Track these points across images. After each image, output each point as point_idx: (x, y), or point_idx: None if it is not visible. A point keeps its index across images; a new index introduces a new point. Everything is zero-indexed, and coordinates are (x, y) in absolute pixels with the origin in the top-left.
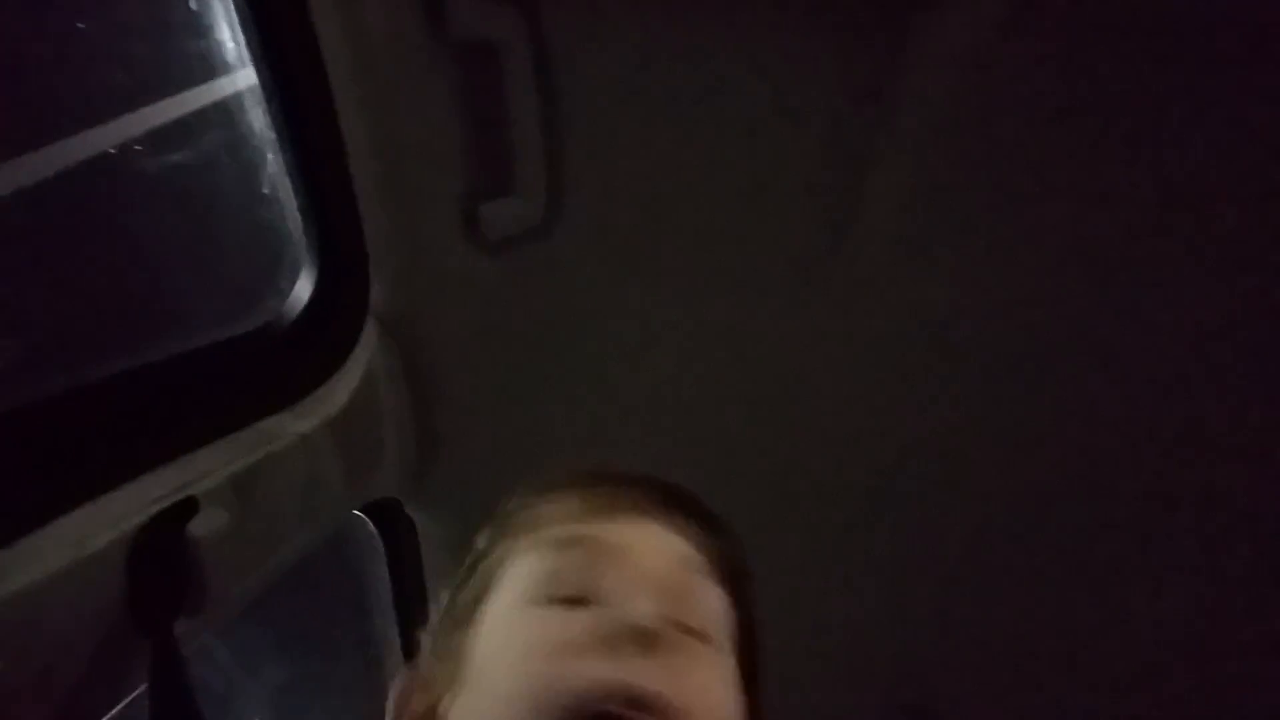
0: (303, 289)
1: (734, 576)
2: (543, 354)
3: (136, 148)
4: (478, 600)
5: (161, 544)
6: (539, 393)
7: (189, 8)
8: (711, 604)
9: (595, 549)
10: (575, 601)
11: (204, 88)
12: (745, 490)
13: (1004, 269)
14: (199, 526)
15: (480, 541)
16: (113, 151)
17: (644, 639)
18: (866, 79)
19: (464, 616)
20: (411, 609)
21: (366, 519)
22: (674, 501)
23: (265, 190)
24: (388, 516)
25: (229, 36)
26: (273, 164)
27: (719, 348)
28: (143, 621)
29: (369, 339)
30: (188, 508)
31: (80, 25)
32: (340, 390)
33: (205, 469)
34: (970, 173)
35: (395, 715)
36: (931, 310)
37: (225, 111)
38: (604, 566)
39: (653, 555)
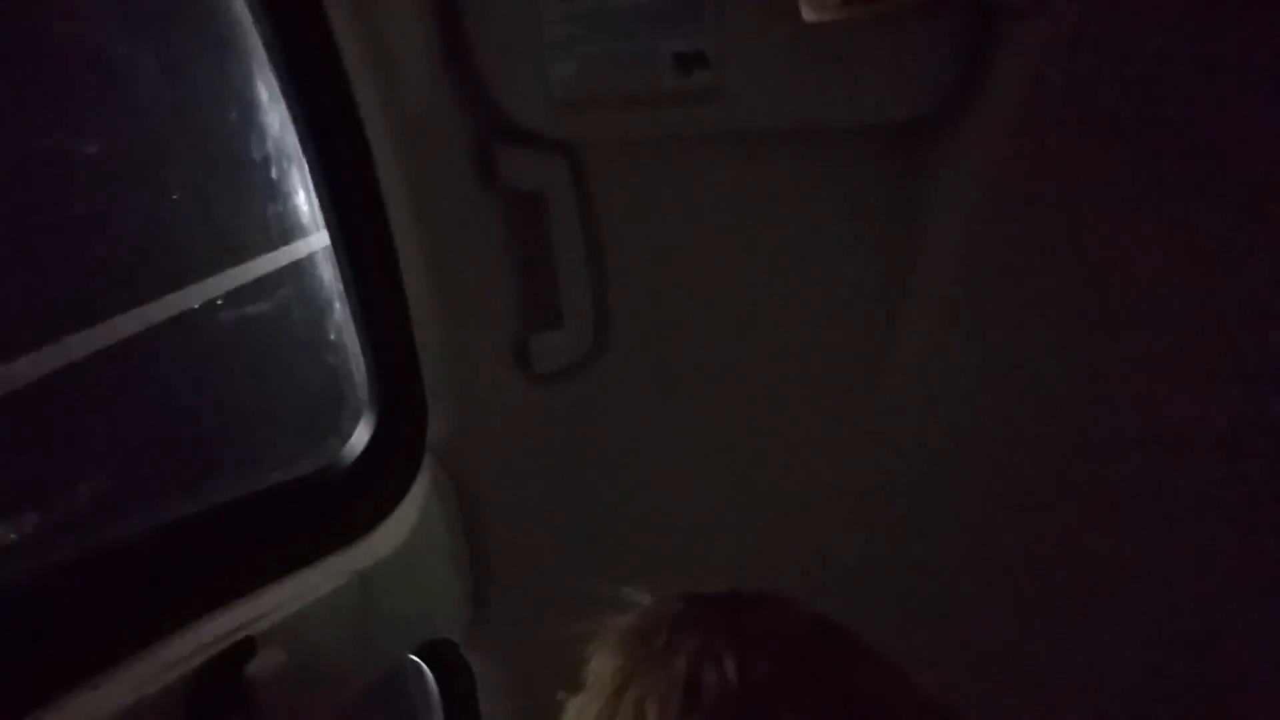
0: (363, 430)
1: None
2: (594, 484)
3: (219, 303)
4: None
5: (220, 687)
6: (591, 524)
7: (270, 177)
8: None
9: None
10: None
11: (283, 250)
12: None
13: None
14: (256, 668)
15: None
16: (196, 308)
17: None
18: (902, 202)
19: None
20: None
21: (421, 663)
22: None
23: (332, 337)
24: (443, 659)
25: (304, 201)
26: (339, 313)
27: (763, 466)
28: None
29: (425, 478)
30: (245, 650)
31: (174, 196)
32: (398, 528)
33: (264, 610)
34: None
35: None
36: (964, 434)
37: (300, 268)
38: None
39: None
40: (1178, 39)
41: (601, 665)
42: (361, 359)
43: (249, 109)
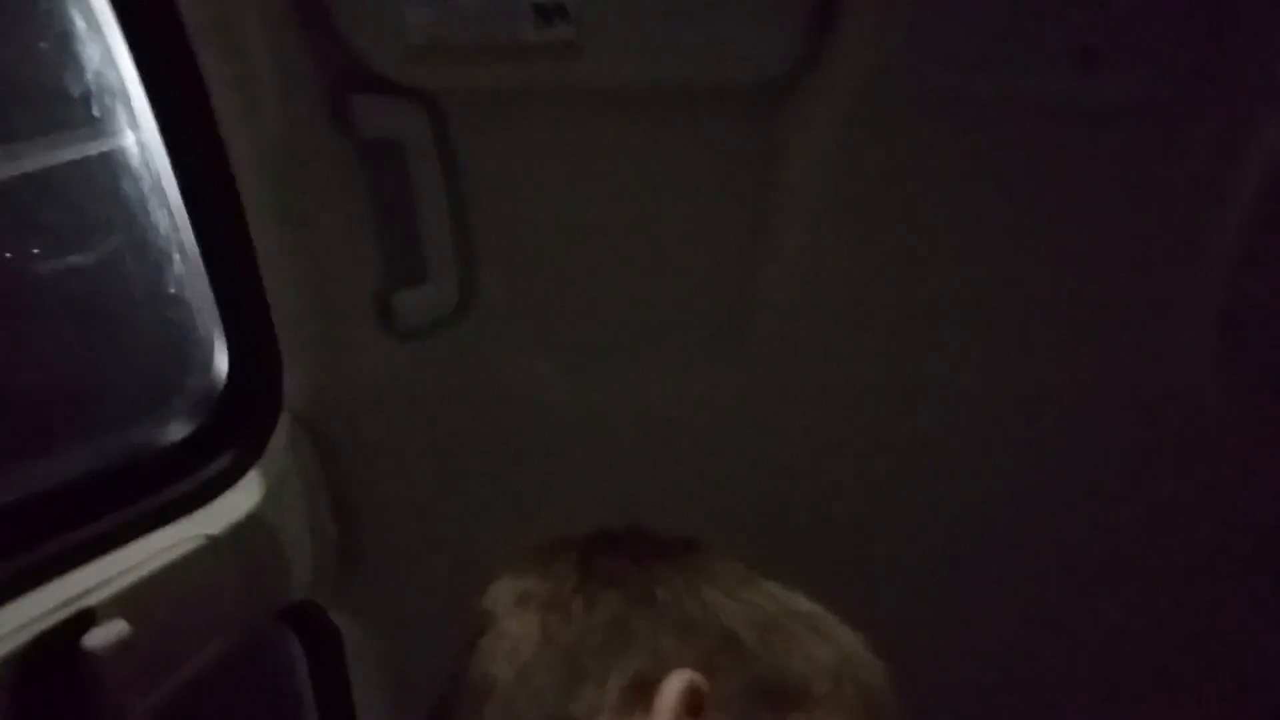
0: (210, 388)
1: None
2: (462, 443)
3: (35, 252)
4: None
5: (54, 662)
6: (462, 483)
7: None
8: None
9: None
10: None
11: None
12: None
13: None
14: (95, 640)
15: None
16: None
17: None
18: (757, 158)
19: None
20: None
21: (286, 626)
22: None
23: (173, 290)
24: (309, 622)
25: (134, 142)
26: (179, 264)
27: (638, 422)
28: None
29: (281, 438)
30: (82, 621)
31: None
32: (252, 490)
33: (104, 578)
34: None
35: None
36: (824, 385)
37: (130, 213)
38: None
39: None
40: (1012, 17)
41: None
42: (207, 314)
43: (70, 39)
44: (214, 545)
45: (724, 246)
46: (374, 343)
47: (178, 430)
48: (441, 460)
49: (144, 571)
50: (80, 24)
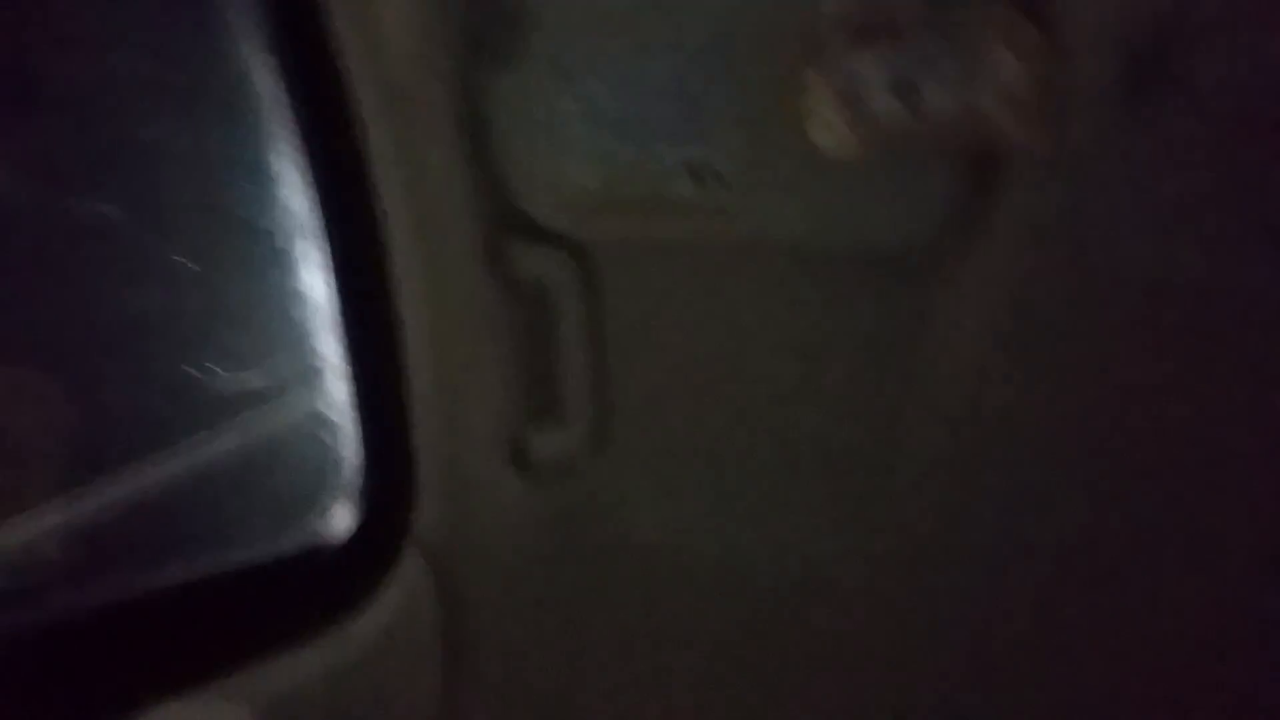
0: (345, 514)
1: None
2: (582, 593)
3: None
4: None
5: None
6: (576, 631)
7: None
8: None
9: None
10: None
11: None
12: None
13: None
14: None
15: None
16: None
17: None
18: (895, 334)
19: None
20: None
21: None
22: None
23: (323, 413)
24: None
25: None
26: (333, 387)
27: (757, 576)
28: None
29: (408, 569)
30: None
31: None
32: (375, 622)
33: (228, 699)
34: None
35: None
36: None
37: (298, 337)
38: None
39: None
40: (1188, 205)
41: None
42: (351, 438)
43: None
44: (331, 674)
45: (866, 410)
46: (504, 479)
47: (310, 554)
48: (555, 606)
49: (265, 699)
50: (270, 159)
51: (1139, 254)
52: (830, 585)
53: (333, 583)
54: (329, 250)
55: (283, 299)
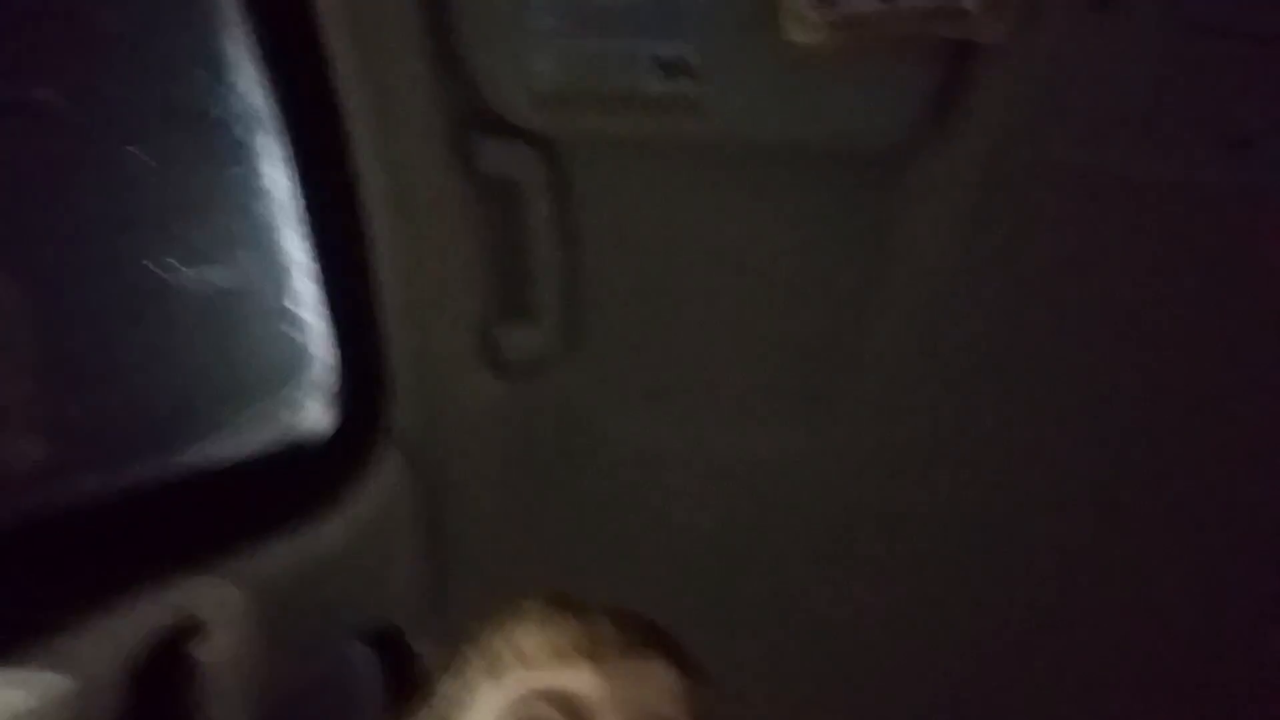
0: (321, 411)
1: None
2: (555, 482)
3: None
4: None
5: (167, 666)
6: (550, 521)
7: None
8: None
9: (558, 704)
10: None
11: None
12: (751, 619)
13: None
14: (204, 649)
15: (453, 674)
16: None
17: None
18: (865, 230)
19: None
20: None
21: (369, 649)
22: (644, 642)
23: (292, 309)
24: (390, 648)
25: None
26: (300, 286)
27: (729, 474)
28: None
29: (386, 465)
30: (190, 630)
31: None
32: (355, 515)
33: (211, 590)
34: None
35: None
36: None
37: (261, 232)
38: None
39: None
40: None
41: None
42: (322, 336)
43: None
44: (316, 564)
45: (835, 306)
46: (477, 378)
47: (289, 450)
48: (528, 496)
49: (248, 587)
50: (226, 50)
51: (1104, 154)
52: (804, 480)
53: (314, 478)
54: (290, 145)
55: (244, 194)
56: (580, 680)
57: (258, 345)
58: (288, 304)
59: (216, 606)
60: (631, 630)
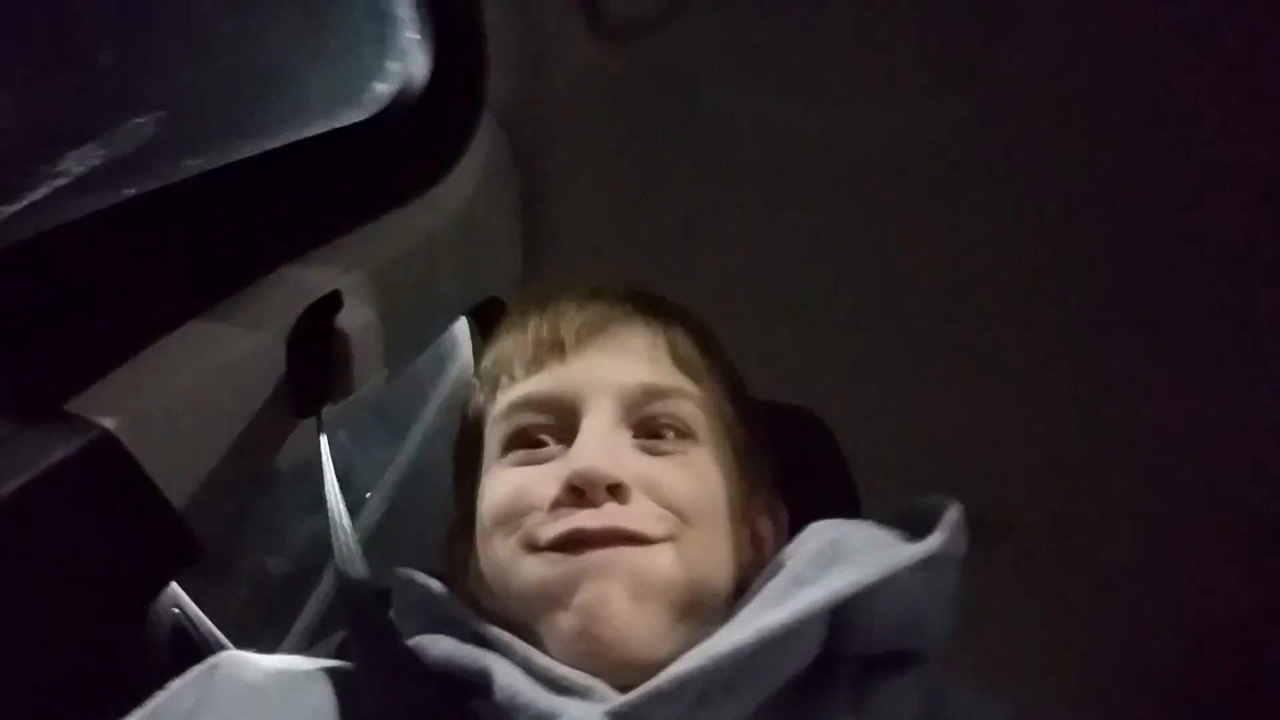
0: (418, 76)
1: (707, 367)
2: (655, 154)
3: None
4: (474, 458)
5: (316, 335)
6: (649, 193)
7: None
8: (684, 409)
9: (551, 405)
10: (540, 446)
11: None
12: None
13: None
14: (345, 321)
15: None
16: None
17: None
18: None
19: (468, 472)
20: None
21: (472, 320)
22: (631, 309)
23: None
24: (493, 320)
25: None
26: None
27: (840, 154)
28: (302, 404)
29: (484, 134)
30: (334, 302)
31: None
32: (460, 185)
33: (343, 265)
34: None
35: (445, 559)
36: None
37: None
38: (565, 419)
39: (610, 388)
40: None
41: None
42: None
43: None
44: (429, 239)
45: None
46: (577, 37)
47: (389, 116)
48: (628, 168)
49: (374, 262)
50: None
51: None
52: (916, 153)
53: (415, 149)
54: None
55: None
56: (558, 376)
57: (349, 11)
58: None
59: (351, 280)
60: (610, 306)
